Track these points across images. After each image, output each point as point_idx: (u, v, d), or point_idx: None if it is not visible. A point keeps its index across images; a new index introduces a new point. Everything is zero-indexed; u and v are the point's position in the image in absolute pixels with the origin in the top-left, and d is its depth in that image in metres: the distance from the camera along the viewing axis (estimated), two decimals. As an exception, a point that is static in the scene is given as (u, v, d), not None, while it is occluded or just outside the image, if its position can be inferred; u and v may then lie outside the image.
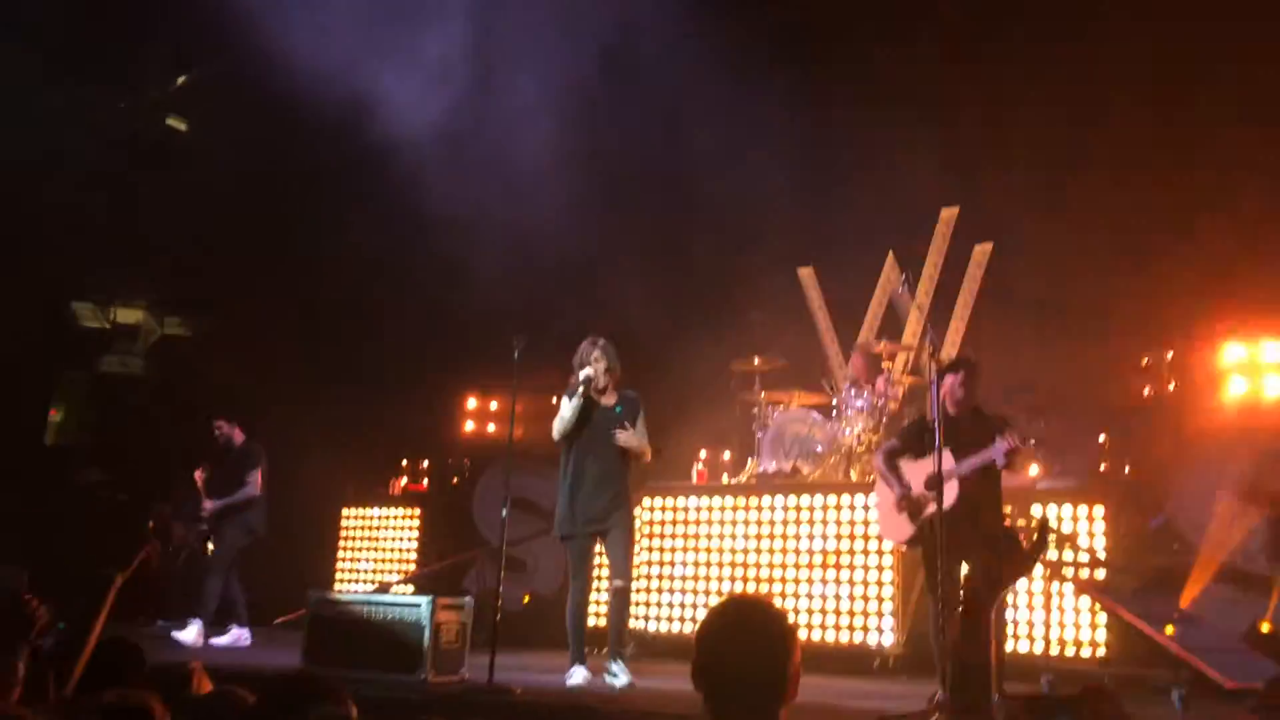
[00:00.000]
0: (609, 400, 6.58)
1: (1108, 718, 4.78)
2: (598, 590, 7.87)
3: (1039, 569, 7.03)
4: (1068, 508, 7.48)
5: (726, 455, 10.12)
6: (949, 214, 10.80)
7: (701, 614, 8.24)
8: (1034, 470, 8.04)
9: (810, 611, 7.91)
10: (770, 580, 8.14)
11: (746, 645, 2.33)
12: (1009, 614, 7.02)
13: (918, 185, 10.69)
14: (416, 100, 9.81)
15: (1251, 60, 9.11)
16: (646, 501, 8.91)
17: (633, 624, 7.98)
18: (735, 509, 8.46)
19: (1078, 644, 7.16)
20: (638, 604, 8.43)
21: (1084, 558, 7.33)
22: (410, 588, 10.12)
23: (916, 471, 6.24)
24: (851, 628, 7.76)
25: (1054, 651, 7.17)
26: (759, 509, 8.34)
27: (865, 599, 7.75)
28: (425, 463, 11.63)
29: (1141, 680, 6.60)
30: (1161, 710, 5.76)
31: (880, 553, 7.74)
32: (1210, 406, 8.39)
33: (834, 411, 9.03)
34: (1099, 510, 7.40)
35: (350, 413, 11.72)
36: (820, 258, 11.51)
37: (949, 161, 10.62)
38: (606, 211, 10.97)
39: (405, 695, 5.88)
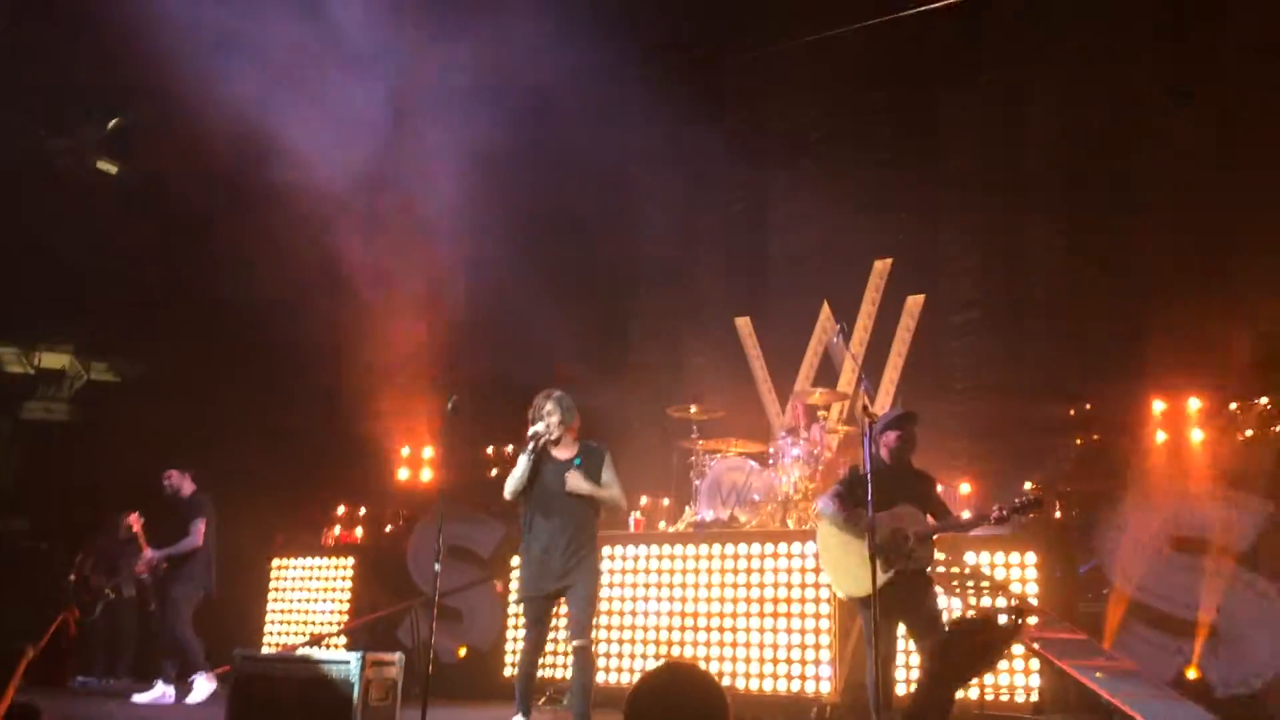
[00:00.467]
0: (565, 453, 6.25)
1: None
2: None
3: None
4: (1000, 554, 7.59)
5: (666, 502, 10.12)
6: (882, 265, 11.02)
7: (638, 664, 8.25)
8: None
9: (748, 660, 7.87)
10: (708, 629, 8.10)
11: (677, 714, 2.29)
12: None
13: (853, 237, 10.92)
14: (339, 144, 9.83)
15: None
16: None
17: (564, 673, 7.86)
18: (672, 557, 8.43)
19: (1011, 689, 7.22)
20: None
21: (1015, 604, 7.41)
22: (343, 640, 9.92)
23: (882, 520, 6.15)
24: (789, 676, 7.73)
25: (989, 697, 7.22)
26: (696, 557, 8.32)
27: (803, 647, 7.72)
28: (362, 510, 11.44)
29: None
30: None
31: (817, 600, 7.74)
32: (1136, 455, 8.72)
33: (770, 460, 9.08)
34: (1030, 557, 7.52)
35: (281, 459, 11.53)
36: (756, 307, 11.64)
37: (883, 214, 10.87)
38: (539, 261, 10.99)
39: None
